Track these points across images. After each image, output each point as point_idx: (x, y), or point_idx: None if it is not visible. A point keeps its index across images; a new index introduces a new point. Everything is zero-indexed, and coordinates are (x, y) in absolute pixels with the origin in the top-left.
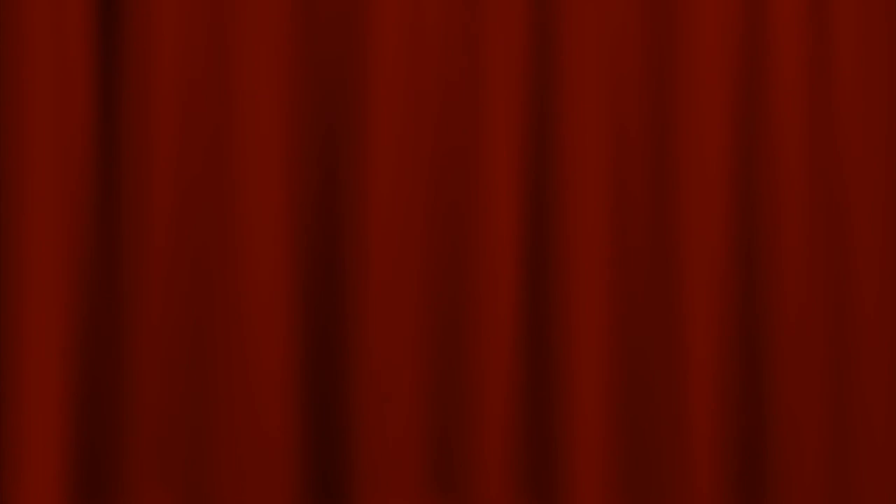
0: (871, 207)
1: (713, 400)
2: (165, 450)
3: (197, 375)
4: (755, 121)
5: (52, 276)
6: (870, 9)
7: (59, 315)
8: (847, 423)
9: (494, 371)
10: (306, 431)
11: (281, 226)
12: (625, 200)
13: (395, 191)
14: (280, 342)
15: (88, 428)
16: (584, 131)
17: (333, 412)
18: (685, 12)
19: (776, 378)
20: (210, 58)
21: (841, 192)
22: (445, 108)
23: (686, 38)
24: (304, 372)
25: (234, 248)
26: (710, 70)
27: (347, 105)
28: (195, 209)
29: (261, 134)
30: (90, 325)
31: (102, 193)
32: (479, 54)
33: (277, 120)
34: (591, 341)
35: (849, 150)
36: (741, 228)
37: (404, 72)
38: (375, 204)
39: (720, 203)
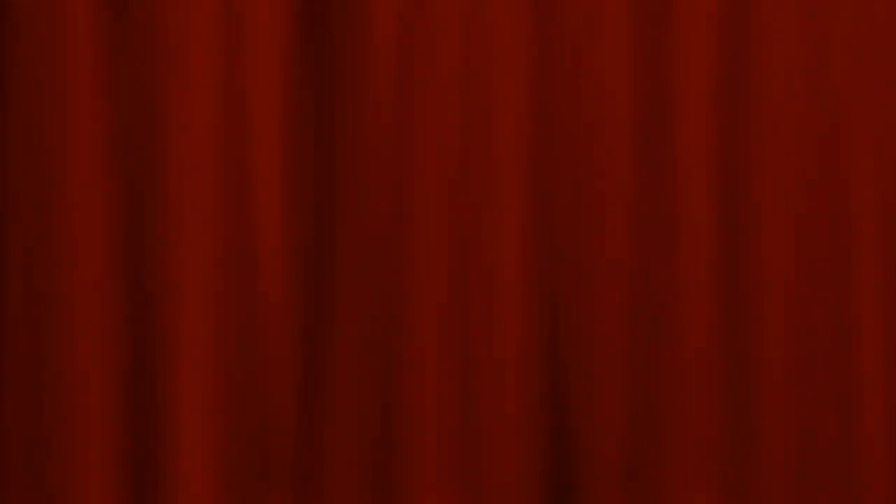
0: (868, 202)
1: (704, 400)
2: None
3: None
4: (741, 115)
5: (95, 282)
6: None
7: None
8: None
9: (511, 375)
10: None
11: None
12: (618, 198)
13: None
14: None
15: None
16: (587, 128)
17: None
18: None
19: (769, 383)
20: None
21: (835, 189)
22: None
23: (676, 33)
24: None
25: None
26: (699, 71)
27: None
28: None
29: (268, 131)
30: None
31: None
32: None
33: (279, 118)
34: (604, 343)
35: (846, 148)
36: (727, 228)
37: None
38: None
39: (708, 202)
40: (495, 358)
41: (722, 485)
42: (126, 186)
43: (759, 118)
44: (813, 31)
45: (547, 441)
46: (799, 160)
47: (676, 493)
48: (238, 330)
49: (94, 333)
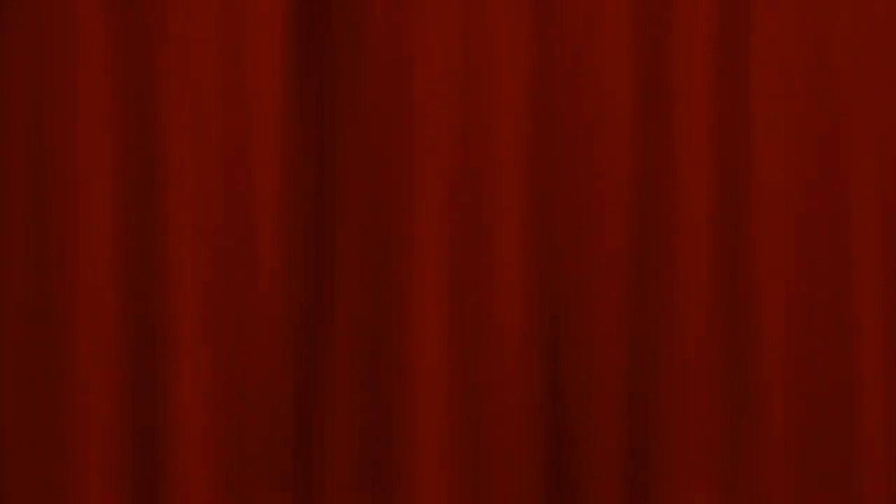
0: (868, 202)
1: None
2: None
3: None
4: (738, 122)
5: (96, 282)
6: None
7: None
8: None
9: (510, 374)
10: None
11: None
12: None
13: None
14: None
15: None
16: (584, 129)
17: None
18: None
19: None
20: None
21: (835, 189)
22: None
23: (676, 33)
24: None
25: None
26: (699, 70)
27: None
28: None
29: (268, 129)
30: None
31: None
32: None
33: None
34: (603, 343)
35: (846, 148)
36: (727, 228)
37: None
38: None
39: (708, 202)
40: (495, 358)
41: (722, 485)
42: (126, 186)
43: (758, 118)
44: (813, 31)
45: (547, 441)
46: (799, 160)
47: (676, 494)
48: (238, 330)
49: (95, 334)
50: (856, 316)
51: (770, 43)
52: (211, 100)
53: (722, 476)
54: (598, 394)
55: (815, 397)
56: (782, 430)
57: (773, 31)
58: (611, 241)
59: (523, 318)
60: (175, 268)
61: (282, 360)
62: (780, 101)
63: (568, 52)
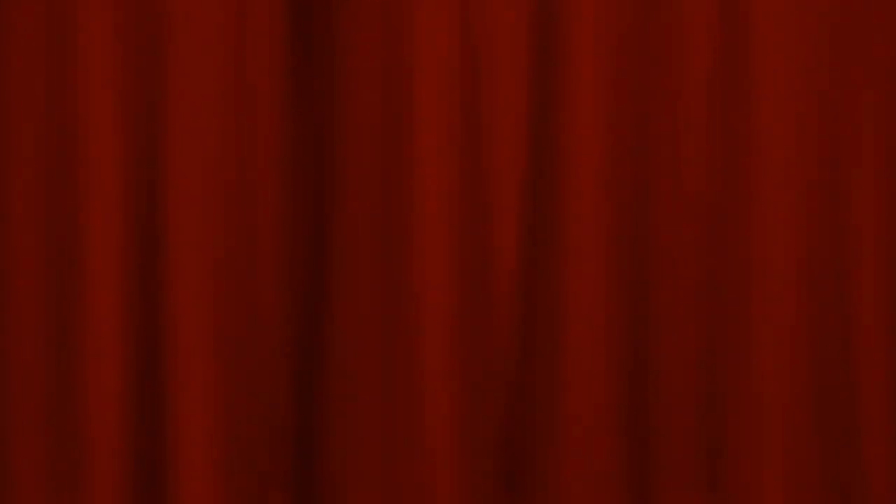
0: (869, 202)
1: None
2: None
3: None
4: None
5: (98, 283)
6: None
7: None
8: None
9: (505, 371)
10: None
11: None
12: (617, 198)
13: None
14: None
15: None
16: (581, 125)
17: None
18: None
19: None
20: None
21: (835, 189)
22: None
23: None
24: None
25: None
26: (698, 68)
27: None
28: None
29: (267, 128)
30: None
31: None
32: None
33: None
34: (598, 340)
35: (846, 145)
36: (725, 227)
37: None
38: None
39: (707, 201)
40: (496, 358)
41: (720, 485)
42: (126, 187)
43: (759, 117)
44: (812, 30)
45: (546, 441)
46: (800, 159)
47: (675, 494)
48: (238, 330)
49: (95, 335)
50: (857, 314)
51: (769, 40)
52: (211, 100)
53: (721, 476)
54: (596, 393)
55: (814, 398)
56: (781, 431)
57: (772, 30)
58: (610, 240)
59: (519, 314)
60: (176, 268)
61: (283, 360)
62: (782, 99)
63: (568, 51)
